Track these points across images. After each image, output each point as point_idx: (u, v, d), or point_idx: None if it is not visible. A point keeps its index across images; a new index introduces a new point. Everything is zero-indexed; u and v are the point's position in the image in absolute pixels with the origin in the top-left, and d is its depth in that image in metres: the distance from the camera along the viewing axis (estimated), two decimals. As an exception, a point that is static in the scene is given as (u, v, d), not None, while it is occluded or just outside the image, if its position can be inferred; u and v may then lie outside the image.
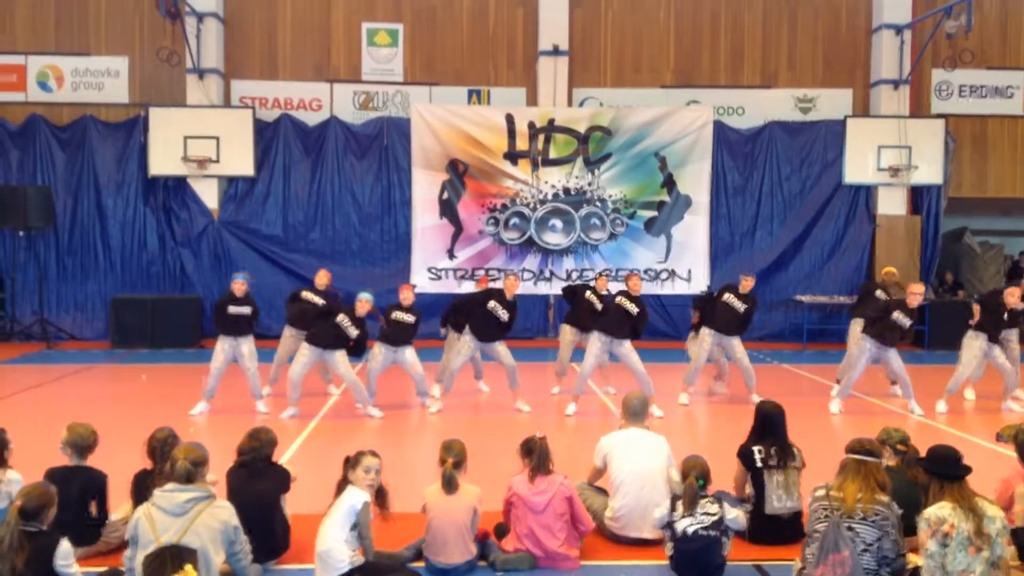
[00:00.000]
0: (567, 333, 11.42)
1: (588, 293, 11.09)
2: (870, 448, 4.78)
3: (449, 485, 5.27)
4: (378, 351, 10.17)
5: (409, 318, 10.09)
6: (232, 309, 9.83)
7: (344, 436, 8.87)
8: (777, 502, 5.65)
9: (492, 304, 10.13)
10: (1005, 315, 10.48)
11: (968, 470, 4.45)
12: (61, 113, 17.15)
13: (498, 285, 10.82)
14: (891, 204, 17.49)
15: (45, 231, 16.52)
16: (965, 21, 14.94)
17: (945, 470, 4.42)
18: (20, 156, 16.81)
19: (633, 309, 10.04)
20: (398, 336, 10.09)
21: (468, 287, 16.42)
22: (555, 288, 17.07)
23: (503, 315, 10.12)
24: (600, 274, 12.45)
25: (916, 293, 10.01)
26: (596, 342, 10.13)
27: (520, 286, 16.36)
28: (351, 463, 5.09)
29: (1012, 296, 10.49)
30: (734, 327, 10.76)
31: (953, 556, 4.21)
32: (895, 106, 17.48)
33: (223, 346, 9.90)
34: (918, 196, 17.63)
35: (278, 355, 11.05)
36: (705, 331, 10.87)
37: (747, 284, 10.81)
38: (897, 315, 9.99)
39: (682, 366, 11.82)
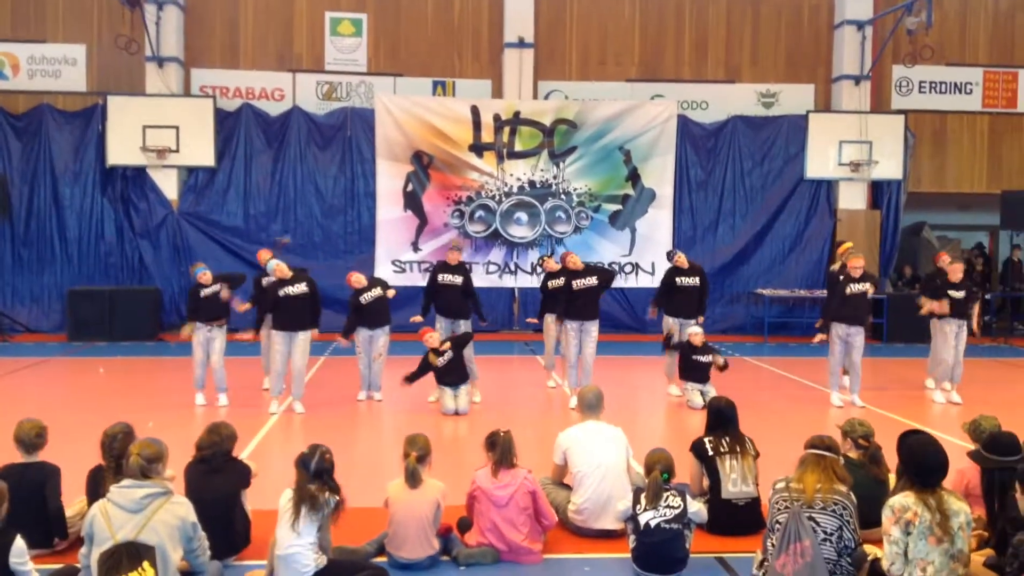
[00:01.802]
0: (550, 325, 11.37)
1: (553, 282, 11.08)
2: (829, 444, 4.84)
3: (412, 479, 5.23)
4: (359, 339, 10.16)
5: (377, 291, 10.10)
6: (205, 291, 9.89)
7: (305, 430, 8.78)
8: (732, 487, 5.72)
9: (442, 276, 10.30)
10: (951, 291, 10.65)
11: (943, 476, 4.46)
12: (17, 101, 16.78)
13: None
14: (852, 199, 17.68)
15: (0, 221, 16.17)
16: (926, 18, 15.11)
17: (922, 479, 4.40)
18: (-26, 145, 16.47)
19: (591, 283, 10.10)
20: (374, 316, 10.10)
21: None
22: (520, 281, 17.07)
23: (455, 279, 10.32)
24: (543, 256, 12.48)
25: (856, 266, 10.24)
26: (569, 330, 10.18)
27: (486, 279, 16.63)
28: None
29: (956, 272, 10.73)
30: (694, 307, 10.84)
31: (915, 544, 4.26)
32: (856, 102, 17.66)
33: (199, 337, 9.95)
34: (878, 191, 17.84)
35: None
36: (668, 320, 10.91)
37: (682, 259, 10.93)
38: (850, 288, 10.16)
39: (648, 359, 11.87)
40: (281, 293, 9.50)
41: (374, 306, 10.09)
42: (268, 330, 10.50)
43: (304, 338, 9.63)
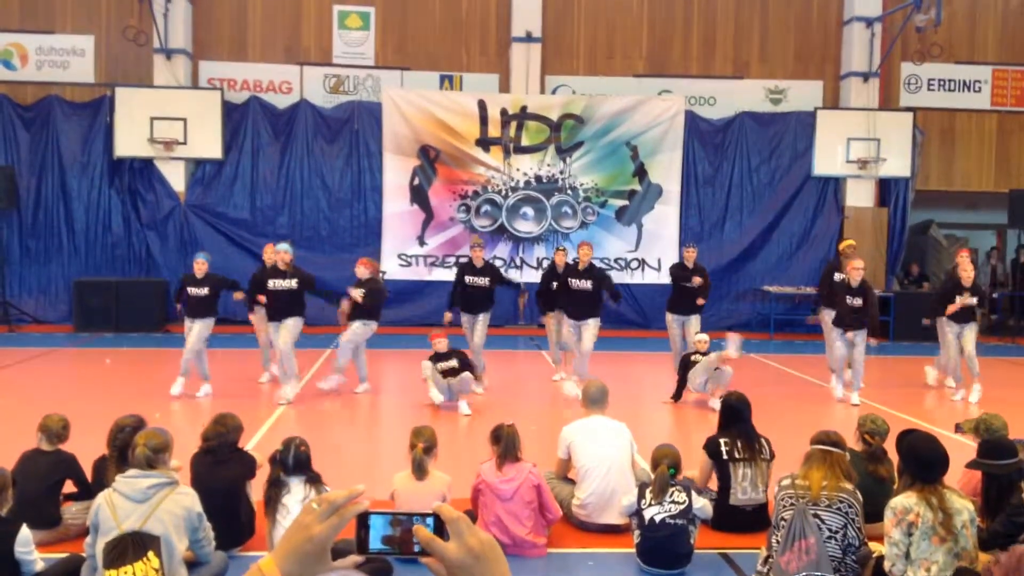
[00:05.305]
0: (551, 321, 11.41)
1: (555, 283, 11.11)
2: (835, 440, 4.82)
3: (419, 470, 5.25)
4: (353, 328, 10.18)
5: (356, 293, 10.08)
6: (191, 291, 9.92)
7: (311, 422, 8.79)
8: (742, 494, 5.69)
9: (468, 278, 10.43)
10: (961, 292, 10.62)
11: (944, 471, 4.45)
12: (25, 92, 16.79)
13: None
14: (859, 196, 17.62)
15: (8, 212, 16.20)
16: (935, 15, 15.04)
17: (923, 474, 4.39)
18: (-18, 136, 16.50)
19: (585, 286, 10.07)
20: (355, 308, 10.16)
21: (438, 274, 16.43)
22: (526, 276, 17.04)
23: (482, 281, 10.47)
24: (559, 248, 12.48)
25: (857, 268, 10.18)
26: (566, 326, 10.33)
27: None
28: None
29: (966, 272, 10.69)
30: (691, 304, 10.81)
31: (917, 545, 4.25)
32: (865, 99, 17.60)
33: (187, 328, 10.00)
34: (886, 189, 17.78)
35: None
36: (669, 317, 10.92)
37: (691, 255, 10.91)
38: (849, 300, 10.14)
39: (652, 355, 11.85)
40: (270, 285, 9.69)
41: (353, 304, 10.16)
42: (265, 323, 10.55)
43: (291, 323, 9.71)
